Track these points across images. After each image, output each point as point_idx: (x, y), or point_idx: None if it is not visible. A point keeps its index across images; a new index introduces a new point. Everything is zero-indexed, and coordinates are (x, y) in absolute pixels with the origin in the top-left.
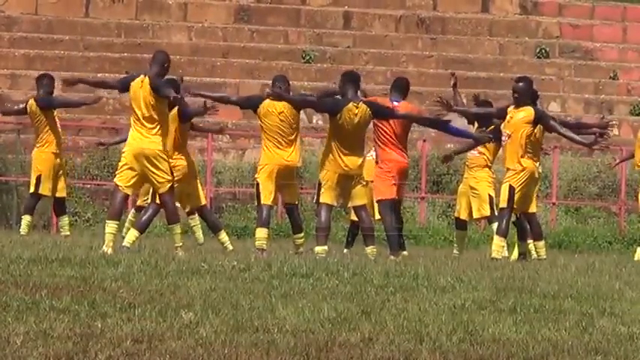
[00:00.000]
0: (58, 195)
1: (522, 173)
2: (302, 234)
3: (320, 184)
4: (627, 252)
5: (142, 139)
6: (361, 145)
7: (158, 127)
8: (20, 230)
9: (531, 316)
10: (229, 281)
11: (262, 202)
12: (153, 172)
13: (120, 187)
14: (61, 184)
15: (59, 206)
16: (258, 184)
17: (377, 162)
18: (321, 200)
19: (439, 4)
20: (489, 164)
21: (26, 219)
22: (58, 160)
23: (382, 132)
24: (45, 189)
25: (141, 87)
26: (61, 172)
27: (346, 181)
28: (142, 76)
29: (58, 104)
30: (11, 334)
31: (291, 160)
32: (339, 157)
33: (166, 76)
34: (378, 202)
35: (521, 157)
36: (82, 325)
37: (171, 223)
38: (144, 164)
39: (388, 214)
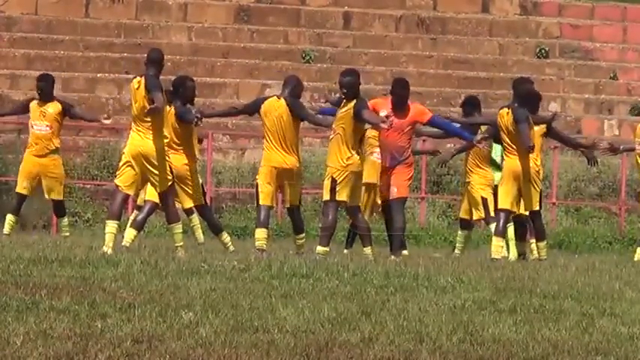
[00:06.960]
0: (55, 198)
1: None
2: (303, 234)
3: (334, 181)
4: (627, 252)
5: (142, 139)
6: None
7: (155, 126)
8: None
9: (531, 316)
10: (229, 281)
11: (261, 202)
12: (152, 172)
13: (120, 188)
14: (58, 187)
15: (58, 208)
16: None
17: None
18: (329, 198)
19: (439, 4)
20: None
21: (10, 218)
22: (43, 160)
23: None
24: (21, 187)
25: (137, 88)
26: (50, 174)
27: (356, 179)
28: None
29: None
30: (11, 334)
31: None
32: (339, 152)
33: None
34: (395, 200)
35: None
36: (82, 325)
37: (172, 223)
38: (143, 164)
39: (400, 212)
